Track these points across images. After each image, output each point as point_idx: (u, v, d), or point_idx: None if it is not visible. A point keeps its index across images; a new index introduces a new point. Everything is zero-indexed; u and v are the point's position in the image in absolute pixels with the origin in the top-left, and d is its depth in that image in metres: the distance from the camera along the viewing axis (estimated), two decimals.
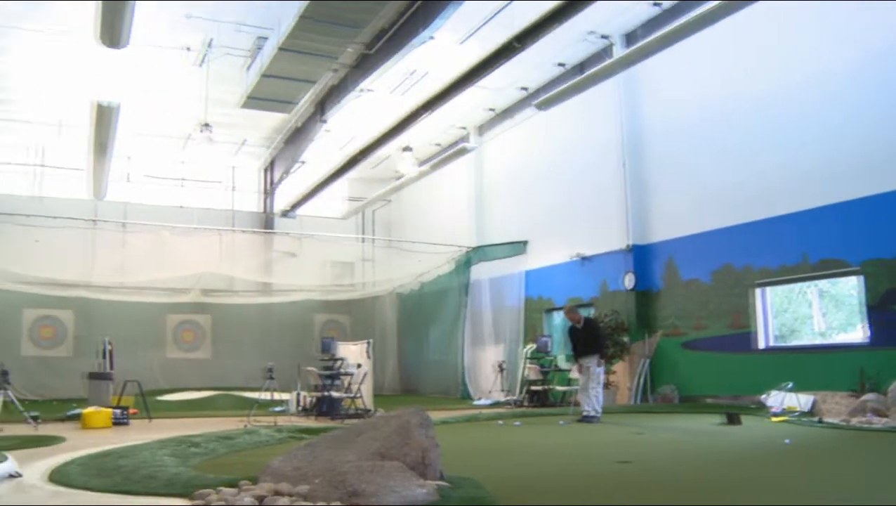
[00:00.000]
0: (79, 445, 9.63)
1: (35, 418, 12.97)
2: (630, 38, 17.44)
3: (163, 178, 27.02)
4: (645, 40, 14.85)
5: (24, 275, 20.60)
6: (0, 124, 23.21)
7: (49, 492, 6.34)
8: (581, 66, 18.83)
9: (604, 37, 17.84)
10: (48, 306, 22.84)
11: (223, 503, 5.27)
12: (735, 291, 15.27)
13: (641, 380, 16.83)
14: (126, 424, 13.19)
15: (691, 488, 6.38)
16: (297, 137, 24.10)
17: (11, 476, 6.87)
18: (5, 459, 7.19)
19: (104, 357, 15.30)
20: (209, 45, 17.83)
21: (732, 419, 11.68)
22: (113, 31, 13.21)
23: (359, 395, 15.00)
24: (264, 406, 14.78)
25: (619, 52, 17.12)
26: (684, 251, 16.51)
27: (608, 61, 15.96)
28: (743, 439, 9.98)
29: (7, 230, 20.36)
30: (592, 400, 12.96)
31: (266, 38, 17.28)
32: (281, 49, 16.15)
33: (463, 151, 21.87)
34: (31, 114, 22.58)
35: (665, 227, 17.05)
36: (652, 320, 17.16)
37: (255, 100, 19.08)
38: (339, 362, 15.54)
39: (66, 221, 20.91)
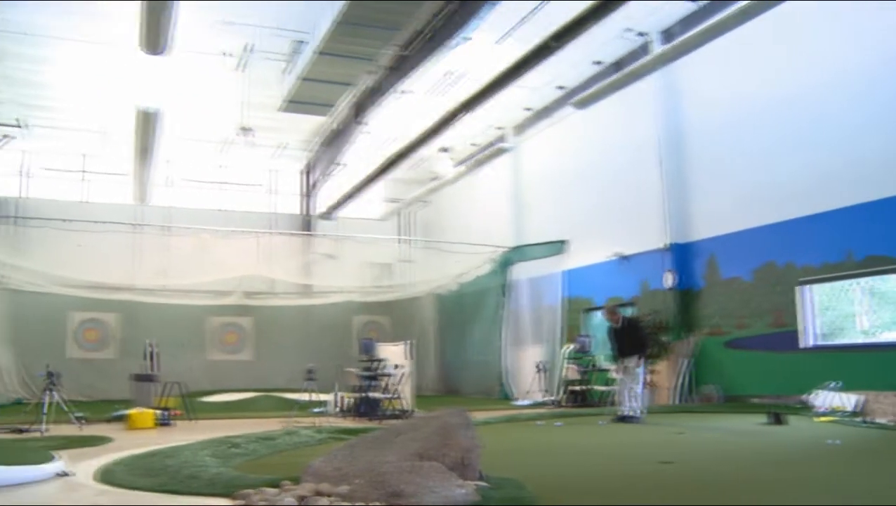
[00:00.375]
0: (124, 445, 9.79)
1: (81, 419, 13.22)
2: (667, 34, 17.28)
3: (203, 181, 27.38)
4: (682, 37, 14.73)
5: (69, 278, 20.97)
6: (46, 132, 23.78)
7: (97, 491, 6.47)
8: (618, 64, 18.68)
9: (641, 34, 17.70)
10: (93, 309, 23.24)
11: (265, 503, 5.32)
12: (777, 289, 15.05)
13: (683, 379, 16.67)
14: (169, 424, 13.37)
15: (735, 488, 6.31)
16: (335, 139, 24.23)
17: (60, 475, 7.02)
18: (54, 458, 7.33)
19: (148, 359, 15.51)
20: (248, 49, 18.00)
21: (777, 419, 11.50)
22: (154, 37, 13.43)
23: (397, 396, 15.04)
24: (304, 407, 14.87)
25: (656, 49, 16.97)
26: (725, 249, 16.32)
27: (645, 59, 15.83)
28: (788, 440, 9.84)
29: (53, 235, 20.74)
30: (632, 400, 12.86)
31: (304, 42, 17.41)
32: (319, 53, 16.29)
33: (500, 151, 21.83)
34: (75, 121, 23.07)
35: (705, 225, 16.87)
36: (693, 319, 16.98)
37: (294, 103, 19.27)
38: (378, 364, 15.60)
39: (110, 225, 21.25)
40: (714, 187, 16.69)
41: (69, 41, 17.51)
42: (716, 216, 16.55)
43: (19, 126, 23.19)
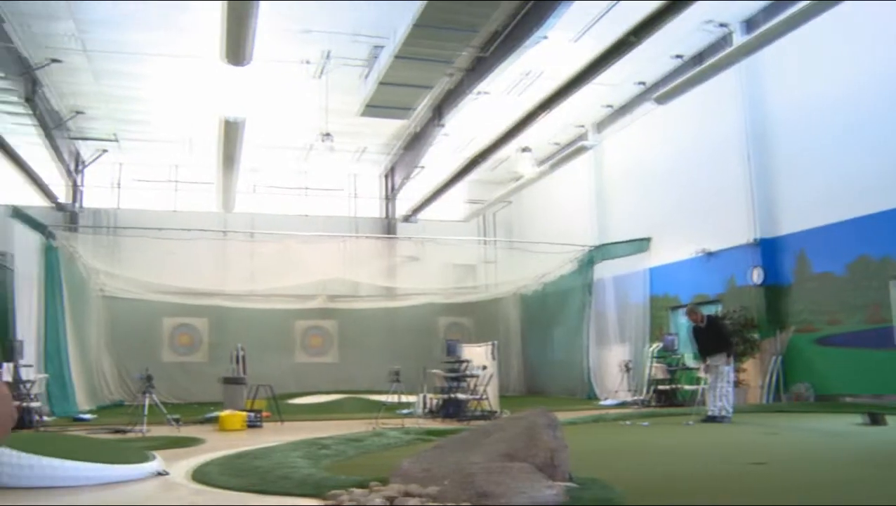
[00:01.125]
0: (217, 446, 10.06)
1: (176, 421, 13.66)
2: (750, 24, 16.87)
3: (286, 188, 27.90)
4: (766, 26, 14.33)
5: (162, 285, 21.65)
6: (139, 144, 24.67)
7: (193, 490, 6.67)
8: (699, 57, 18.31)
9: (722, 25, 17.32)
10: (185, 315, 23.97)
11: (355, 504, 5.39)
12: (873, 284, 14.49)
13: (773, 378, 16.24)
14: (259, 426, 13.66)
15: (831, 490, 6.12)
16: (415, 142, 24.41)
17: (159, 474, 7.28)
18: (153, 458, 7.59)
19: (237, 362, 15.87)
20: (327, 56, 18.28)
21: (875, 419, 11.08)
22: (237, 49, 13.76)
23: (484, 396, 15.05)
24: (391, 408, 15.01)
25: (738, 39, 16.58)
26: (816, 243, 15.83)
27: (728, 50, 15.49)
28: (888, 441, 9.49)
29: (147, 244, 21.44)
30: (720, 400, 12.62)
31: (382, 47, 17.58)
32: (397, 57, 16.43)
33: (581, 150, 21.63)
34: (165, 133, 23.84)
35: (794, 218, 16.38)
36: (782, 316, 16.52)
37: (374, 108, 19.46)
38: (464, 365, 15.63)
39: (198, 233, 21.82)
40: (802, 180, 16.21)
41: (158, 57, 18.11)
42: (805, 209, 16.06)
43: (114, 140, 24.15)
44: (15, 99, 19.22)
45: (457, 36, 15.57)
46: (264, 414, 14.47)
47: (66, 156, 23.75)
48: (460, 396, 15.15)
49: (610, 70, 16.35)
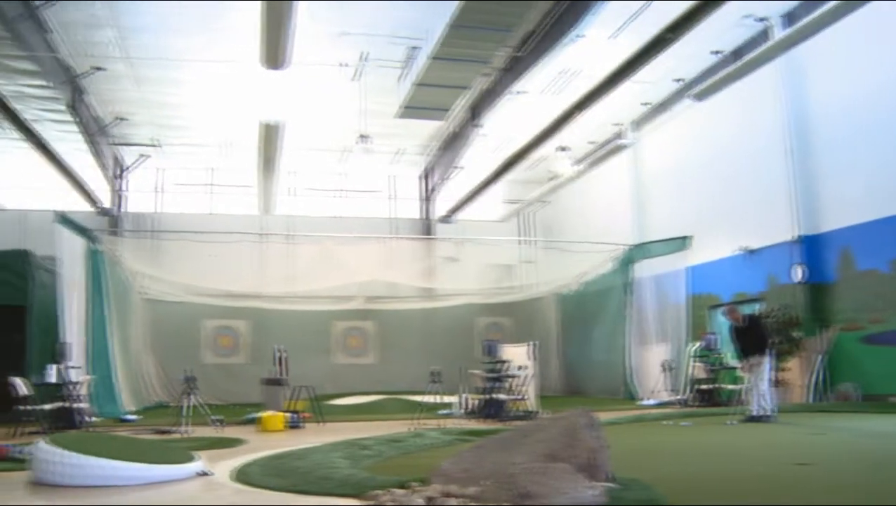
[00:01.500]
0: (258, 446, 10.16)
1: (218, 421, 13.80)
2: (790, 18, 16.60)
3: (325, 190, 28.09)
4: (806, 19, 14.11)
5: (203, 288, 21.89)
6: (178, 149, 25.01)
7: (234, 490, 6.75)
8: (738, 53, 18.09)
9: (761, 19, 17.09)
10: (225, 317, 24.20)
11: (395, 504, 5.41)
12: None
13: (817, 377, 15.98)
14: (299, 427, 13.75)
15: (880, 492, 6.01)
16: (453, 142, 24.43)
17: (201, 474, 7.37)
18: (197, 458, 7.69)
19: (277, 364, 16.00)
20: (363, 59, 18.37)
21: None
22: (275, 53, 13.89)
23: (523, 397, 15.01)
24: (431, 409, 15.03)
25: (778, 34, 16.34)
26: (860, 239, 15.54)
27: (767, 45, 15.28)
28: None
29: (187, 247, 21.72)
30: (761, 399, 12.46)
31: (418, 48, 17.62)
32: (433, 58, 16.49)
33: (619, 148, 21.46)
34: (204, 137, 24.14)
35: (837, 215, 16.10)
36: (826, 314, 16.25)
37: (411, 109, 19.55)
38: (503, 365, 15.60)
39: (237, 235, 22.06)
40: (846, 175, 15.92)
41: (198, 62, 18.33)
42: (849, 205, 15.78)
43: (154, 146, 24.51)
44: (60, 107, 19.62)
45: (493, 36, 15.59)
46: (304, 415, 14.56)
47: (108, 161, 24.15)
48: (500, 396, 15.13)
49: (647, 67, 16.19)
